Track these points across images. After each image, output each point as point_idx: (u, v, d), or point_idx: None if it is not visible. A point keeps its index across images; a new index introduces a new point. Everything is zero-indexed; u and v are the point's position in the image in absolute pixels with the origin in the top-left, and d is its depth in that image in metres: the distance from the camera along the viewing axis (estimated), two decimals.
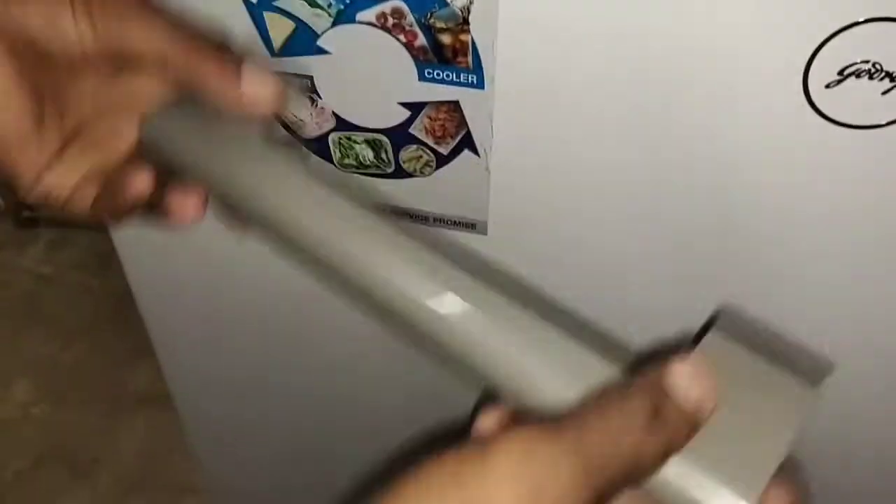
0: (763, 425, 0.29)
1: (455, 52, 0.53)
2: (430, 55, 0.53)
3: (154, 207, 0.44)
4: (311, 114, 0.59)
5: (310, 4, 0.52)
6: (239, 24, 0.54)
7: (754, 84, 0.49)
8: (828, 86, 0.48)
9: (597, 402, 0.29)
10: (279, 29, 0.54)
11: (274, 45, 0.55)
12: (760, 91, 0.50)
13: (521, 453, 0.25)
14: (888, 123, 0.48)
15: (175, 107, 0.42)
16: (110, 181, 0.43)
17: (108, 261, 0.80)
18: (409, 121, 0.57)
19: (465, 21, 0.51)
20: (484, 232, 0.63)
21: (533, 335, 0.32)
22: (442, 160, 0.59)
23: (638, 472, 0.28)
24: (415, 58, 0.54)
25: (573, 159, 0.57)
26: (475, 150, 0.58)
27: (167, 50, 0.38)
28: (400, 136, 0.58)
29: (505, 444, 0.26)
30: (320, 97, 0.58)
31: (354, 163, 0.61)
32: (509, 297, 0.33)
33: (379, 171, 0.61)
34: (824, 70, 0.47)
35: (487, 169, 0.58)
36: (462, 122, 0.56)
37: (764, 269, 0.59)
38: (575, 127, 0.55)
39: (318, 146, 0.61)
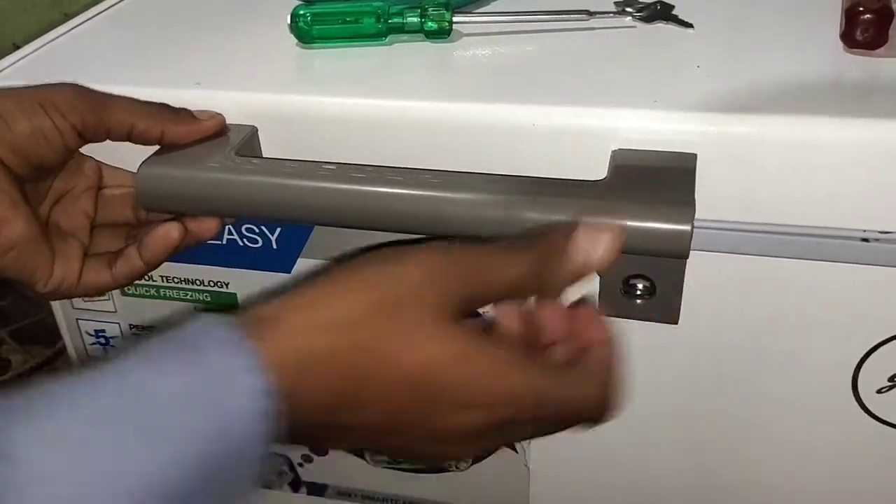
0: None
1: None
2: None
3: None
4: None
5: None
6: None
7: (804, 385, 0.48)
8: (879, 391, 0.46)
9: (502, 242, 0.37)
10: None
11: None
12: (810, 392, 0.48)
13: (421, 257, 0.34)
14: None
15: (155, 159, 0.45)
16: (125, 251, 0.46)
17: None
18: None
19: None
20: None
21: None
22: (478, 456, 0.57)
23: (504, 297, 0.36)
24: None
25: (614, 457, 0.54)
26: (512, 447, 0.56)
27: (134, 119, 0.44)
28: None
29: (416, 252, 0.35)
30: None
31: (387, 459, 0.59)
32: None
33: (413, 467, 0.59)
34: (875, 376, 0.46)
35: (526, 465, 0.56)
36: None
37: None
38: (616, 422, 0.53)
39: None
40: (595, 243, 0.36)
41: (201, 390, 0.29)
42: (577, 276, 0.36)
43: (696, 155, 0.41)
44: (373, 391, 0.32)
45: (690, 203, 0.38)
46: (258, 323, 0.31)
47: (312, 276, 0.34)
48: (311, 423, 0.32)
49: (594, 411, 0.38)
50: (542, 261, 0.36)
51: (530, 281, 0.36)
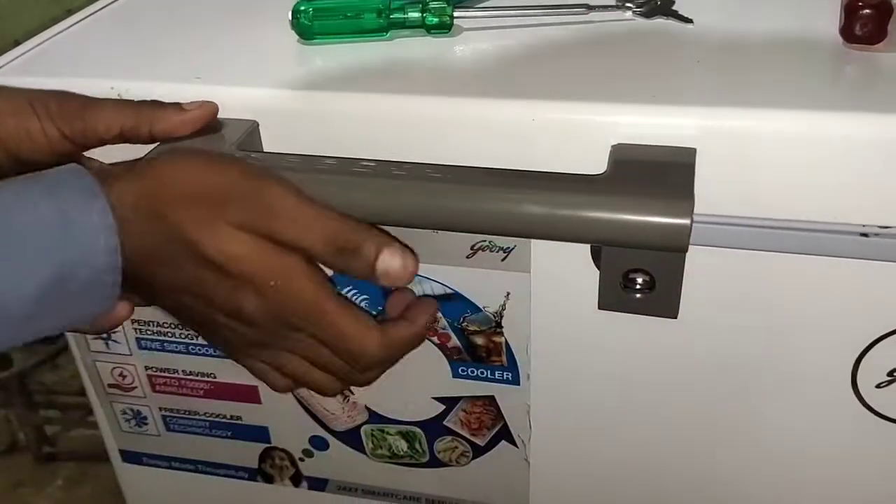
0: None
1: (489, 352, 0.52)
2: (464, 354, 0.53)
3: None
4: (344, 408, 0.58)
5: None
6: None
7: (803, 380, 0.48)
8: (878, 386, 0.46)
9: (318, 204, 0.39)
10: None
11: None
12: (809, 387, 0.48)
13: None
14: None
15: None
16: None
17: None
18: (444, 414, 0.56)
19: (499, 325, 0.51)
20: None
21: None
22: (479, 450, 0.57)
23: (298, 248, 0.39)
24: (448, 357, 0.53)
25: (614, 451, 0.55)
26: (513, 442, 0.56)
27: (121, 119, 0.45)
28: (435, 428, 0.57)
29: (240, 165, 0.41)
30: (352, 392, 0.57)
31: (388, 453, 0.59)
32: None
33: (413, 462, 0.59)
34: (874, 371, 0.46)
35: (527, 459, 0.56)
36: (498, 415, 0.55)
37: None
38: (616, 417, 0.53)
39: (351, 437, 0.59)
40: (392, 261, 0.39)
41: (63, 222, 0.36)
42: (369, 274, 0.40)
43: (695, 150, 0.41)
44: (172, 257, 0.38)
45: (690, 197, 0.38)
46: (105, 175, 0.38)
47: (158, 152, 0.42)
48: (134, 267, 0.38)
49: (352, 351, 0.41)
50: (345, 243, 0.39)
51: (330, 255, 0.39)
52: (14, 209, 0.36)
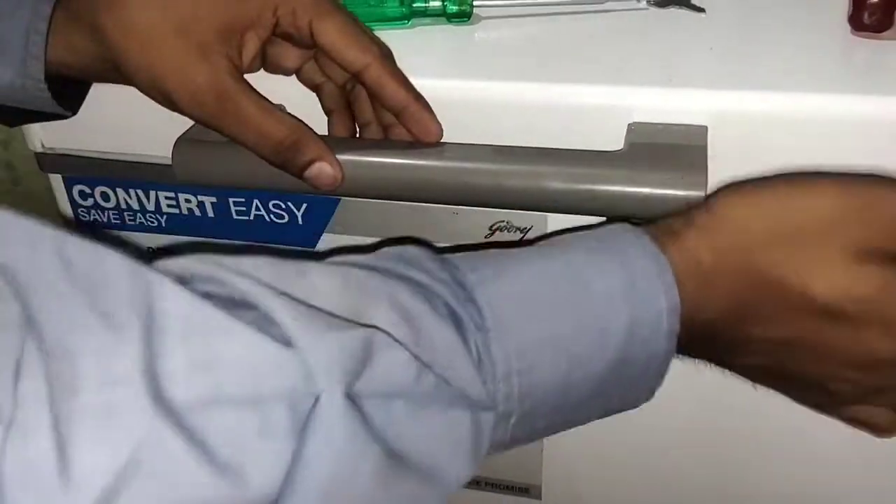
0: None
1: None
2: None
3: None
4: None
5: None
6: None
7: None
8: None
9: None
10: None
11: None
12: None
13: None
14: None
15: (192, 133, 0.46)
16: None
17: None
18: None
19: None
20: (538, 496, 0.61)
21: None
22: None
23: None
24: None
25: (628, 434, 0.56)
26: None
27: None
28: None
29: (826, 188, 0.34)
30: None
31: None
32: None
33: None
34: None
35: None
36: None
37: None
38: None
39: None
40: None
41: (629, 292, 0.32)
42: None
43: (706, 127, 0.43)
44: (774, 312, 0.33)
45: (703, 171, 0.39)
46: (664, 237, 0.34)
47: (713, 196, 0.35)
48: (706, 334, 0.34)
49: None
50: None
51: None
52: (592, 276, 0.33)
